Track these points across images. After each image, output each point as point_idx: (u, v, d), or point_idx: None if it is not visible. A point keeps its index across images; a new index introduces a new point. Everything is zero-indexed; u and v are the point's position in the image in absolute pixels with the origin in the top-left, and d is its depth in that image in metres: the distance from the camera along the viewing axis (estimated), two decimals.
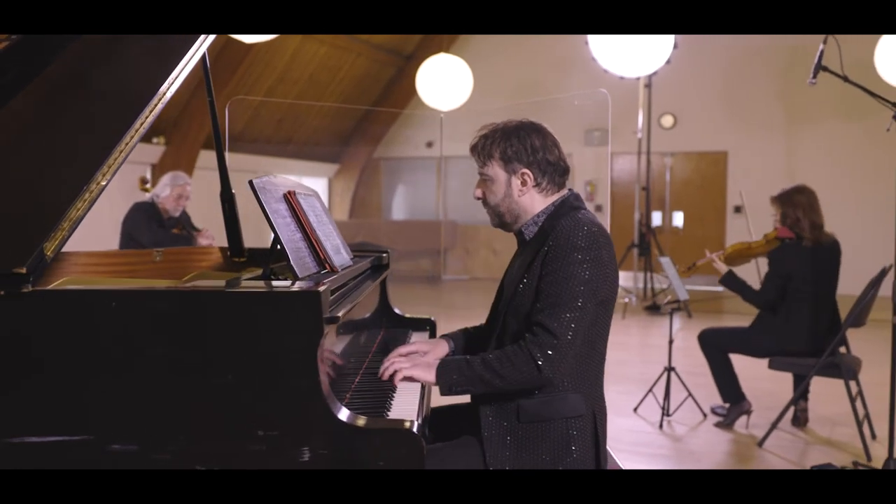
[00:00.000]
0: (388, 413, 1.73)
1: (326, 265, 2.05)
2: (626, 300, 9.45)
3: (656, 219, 12.15)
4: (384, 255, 2.83)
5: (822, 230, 4.26)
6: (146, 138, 10.89)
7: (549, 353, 1.89)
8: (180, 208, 5.27)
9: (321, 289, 1.48)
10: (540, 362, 1.89)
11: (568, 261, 1.93)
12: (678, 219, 12.28)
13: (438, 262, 13.35)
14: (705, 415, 4.69)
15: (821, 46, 3.73)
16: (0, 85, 1.85)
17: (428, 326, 2.88)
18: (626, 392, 5.17)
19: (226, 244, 2.89)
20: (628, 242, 10.05)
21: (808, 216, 4.22)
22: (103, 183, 1.65)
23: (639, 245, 9.78)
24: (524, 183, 2.07)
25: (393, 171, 14.28)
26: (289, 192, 2.07)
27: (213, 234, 5.27)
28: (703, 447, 4.18)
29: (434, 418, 2.24)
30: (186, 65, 2.03)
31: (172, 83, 1.96)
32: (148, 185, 5.26)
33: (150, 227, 5.10)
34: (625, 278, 11.16)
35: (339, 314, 1.57)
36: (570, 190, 2.16)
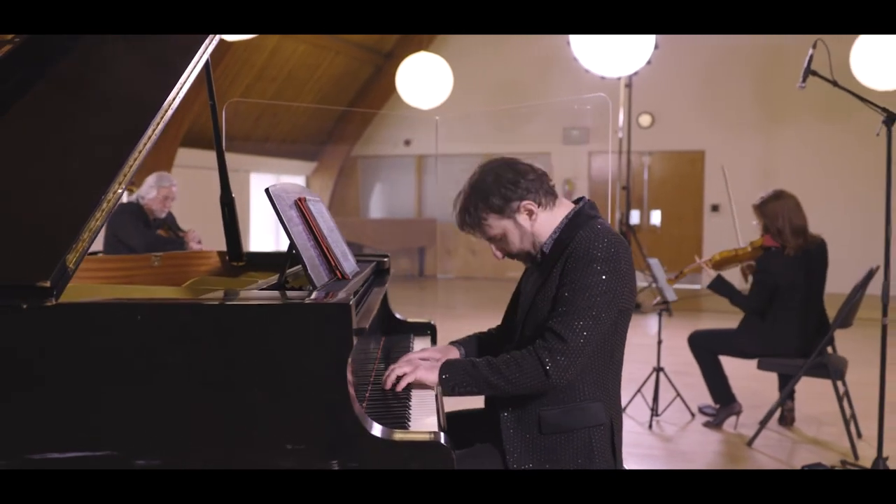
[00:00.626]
0: (409, 424, 1.72)
1: (337, 272, 2.04)
2: None
3: (634, 217, 12.23)
4: (385, 259, 2.82)
5: (806, 234, 4.29)
6: None
7: (559, 358, 1.88)
8: (166, 209, 5.21)
9: (349, 300, 1.46)
10: (548, 367, 1.88)
11: (587, 271, 1.93)
12: (656, 217, 12.37)
13: (416, 261, 13.34)
14: (693, 415, 4.72)
15: (810, 51, 3.76)
16: (7, 90, 1.81)
17: (429, 331, 2.87)
18: None
19: (216, 246, 2.87)
20: None
21: (789, 223, 4.23)
22: (119, 191, 1.62)
23: None
24: (530, 213, 2.05)
25: (371, 169, 14.23)
26: (300, 199, 2.05)
27: (199, 235, 5.22)
28: (694, 447, 4.21)
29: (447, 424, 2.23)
30: (194, 69, 2.00)
31: (182, 87, 1.94)
32: (133, 186, 5.20)
33: (138, 228, 5.03)
34: None
35: (366, 325, 1.55)
36: (584, 198, 2.15)
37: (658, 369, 4.71)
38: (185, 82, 1.95)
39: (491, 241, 2.10)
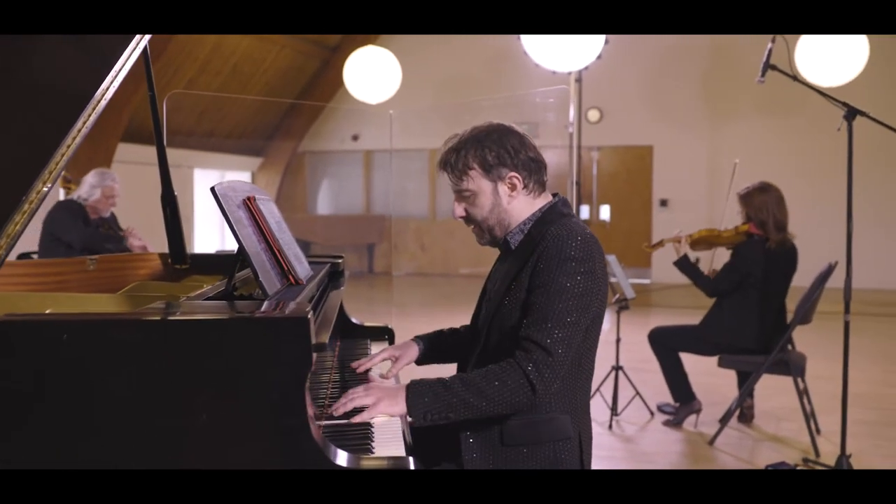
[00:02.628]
0: (373, 445, 1.56)
1: (290, 277, 1.87)
2: None
3: (584, 212, 12.22)
4: (339, 260, 2.66)
5: (786, 232, 4.25)
6: None
7: (545, 371, 1.74)
8: (111, 208, 4.96)
9: (308, 313, 1.30)
10: (534, 381, 1.74)
11: (560, 272, 1.79)
12: (605, 212, 12.39)
13: (366, 258, 13.14)
14: (652, 413, 4.66)
15: (769, 45, 3.71)
16: None
17: (386, 335, 2.72)
18: None
19: (159, 248, 2.67)
20: None
21: (773, 217, 4.20)
22: (45, 190, 1.44)
23: None
24: (513, 188, 1.91)
25: (318, 165, 13.97)
26: (249, 198, 1.88)
27: (140, 234, 4.98)
28: (656, 447, 4.14)
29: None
30: (130, 57, 1.82)
31: (116, 77, 1.75)
32: (71, 185, 4.93)
33: (76, 225, 4.78)
34: None
35: (325, 339, 1.39)
36: (556, 195, 2.02)
37: (617, 368, 4.63)
38: (119, 71, 1.77)
39: (460, 194, 1.95)
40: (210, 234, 12.48)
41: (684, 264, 4.40)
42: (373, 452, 1.51)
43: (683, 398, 4.44)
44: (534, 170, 1.93)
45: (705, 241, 4.47)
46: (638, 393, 4.67)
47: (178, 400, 1.26)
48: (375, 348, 2.59)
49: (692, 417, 4.48)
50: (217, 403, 1.27)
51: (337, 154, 13.67)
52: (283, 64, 12.07)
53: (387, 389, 1.79)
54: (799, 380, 4.15)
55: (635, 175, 12.16)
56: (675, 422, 4.44)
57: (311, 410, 1.31)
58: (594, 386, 4.77)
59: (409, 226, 12.72)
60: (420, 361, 2.22)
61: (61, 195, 5.14)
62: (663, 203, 11.74)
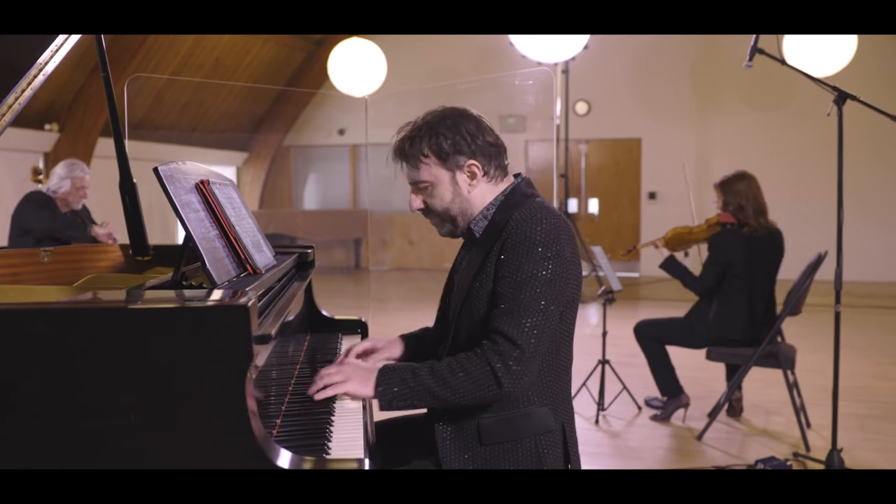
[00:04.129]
0: (329, 446, 1.44)
1: (247, 266, 1.75)
2: None
3: (572, 206, 12.12)
4: (309, 250, 2.53)
5: (766, 216, 4.17)
6: (37, 125, 10.18)
7: (511, 364, 1.64)
8: (82, 201, 4.82)
9: (247, 301, 1.18)
10: (500, 375, 1.63)
11: (527, 258, 1.68)
12: (594, 206, 12.29)
13: (352, 253, 13.01)
14: (640, 407, 4.56)
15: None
16: None
17: (359, 329, 2.60)
18: None
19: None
20: None
21: (753, 202, 4.13)
22: None
23: None
24: (473, 176, 1.81)
25: (304, 159, 13.83)
26: (202, 182, 1.76)
27: (114, 228, 4.84)
28: (643, 443, 4.03)
29: (379, 435, 1.96)
30: (69, 37, 1.68)
31: (56, 52, 1.62)
32: (41, 177, 4.79)
33: (40, 214, 4.64)
34: None
35: (272, 331, 1.27)
36: (519, 175, 1.90)
37: (603, 362, 4.52)
38: (59, 48, 1.64)
39: (416, 185, 1.83)
40: None
41: (671, 265, 4.29)
42: (328, 454, 1.39)
43: (671, 392, 4.33)
44: (493, 155, 1.83)
45: (679, 239, 4.37)
46: (625, 387, 4.56)
47: (103, 400, 1.14)
48: (347, 342, 2.48)
49: (680, 412, 4.38)
50: (147, 402, 1.15)
51: (322, 148, 13.53)
52: (267, 57, 11.91)
53: (358, 369, 1.74)
54: (789, 372, 4.06)
55: (624, 168, 12.07)
56: (662, 416, 4.34)
57: (252, 405, 1.18)
58: (580, 380, 4.69)
59: (394, 221, 12.58)
60: (402, 360, 2.11)
61: (30, 186, 5.00)
62: (652, 196, 11.65)
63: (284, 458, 1.19)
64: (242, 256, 1.75)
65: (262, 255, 1.90)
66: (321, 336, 2.50)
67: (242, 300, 1.19)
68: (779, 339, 4.21)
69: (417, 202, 1.85)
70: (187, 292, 1.42)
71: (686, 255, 4.73)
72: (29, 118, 9.17)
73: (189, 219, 1.52)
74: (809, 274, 3.96)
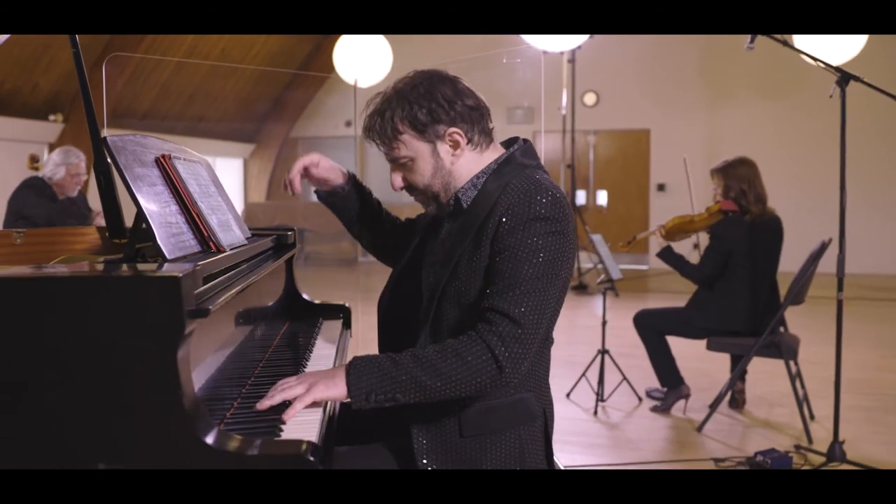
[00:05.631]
0: (283, 427, 1.37)
1: (210, 244, 1.68)
2: None
3: (580, 197, 12.02)
4: (289, 232, 2.46)
5: (766, 203, 4.08)
6: (42, 116, 10.16)
7: (514, 346, 1.48)
8: (77, 188, 4.78)
9: (180, 273, 1.11)
10: (501, 359, 1.48)
11: (529, 232, 1.52)
12: (602, 197, 12.18)
13: (359, 244, 12.95)
14: (640, 399, 4.47)
15: None
16: None
17: (342, 314, 2.53)
18: (556, 376, 4.90)
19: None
20: None
21: (753, 189, 4.04)
22: None
23: None
24: (455, 145, 1.64)
25: (311, 150, 13.75)
26: (162, 156, 1.69)
27: None
28: (641, 434, 3.95)
29: (343, 413, 1.83)
30: None
31: None
32: (38, 164, 4.76)
33: (41, 202, 4.60)
34: None
35: (210, 306, 1.20)
36: (518, 140, 1.74)
37: (603, 352, 4.44)
38: None
39: (394, 163, 1.68)
40: None
41: (667, 255, 4.21)
42: (279, 436, 1.32)
43: (671, 383, 4.25)
44: (475, 119, 1.65)
45: (680, 229, 4.27)
46: (625, 378, 4.48)
47: (26, 374, 1.07)
48: (327, 327, 2.41)
49: (681, 403, 4.29)
50: (71, 379, 1.09)
51: (330, 140, 13.47)
52: (274, 48, 11.84)
53: (321, 373, 1.55)
54: (792, 363, 3.96)
55: (632, 159, 11.95)
56: (662, 408, 4.26)
57: (185, 380, 1.11)
58: (580, 371, 4.61)
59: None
60: (340, 193, 2.01)
61: (27, 173, 4.96)
62: (660, 187, 11.53)
63: (212, 437, 1.12)
64: (205, 233, 1.69)
65: (230, 234, 1.83)
66: (301, 323, 2.44)
67: (173, 272, 1.12)
68: (782, 329, 4.12)
69: (398, 180, 1.69)
70: (140, 265, 1.35)
71: (696, 246, 4.65)
72: (34, 109, 9.16)
73: (141, 192, 1.46)
74: (812, 262, 3.86)
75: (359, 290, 9.48)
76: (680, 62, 11.17)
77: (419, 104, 1.61)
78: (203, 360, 1.54)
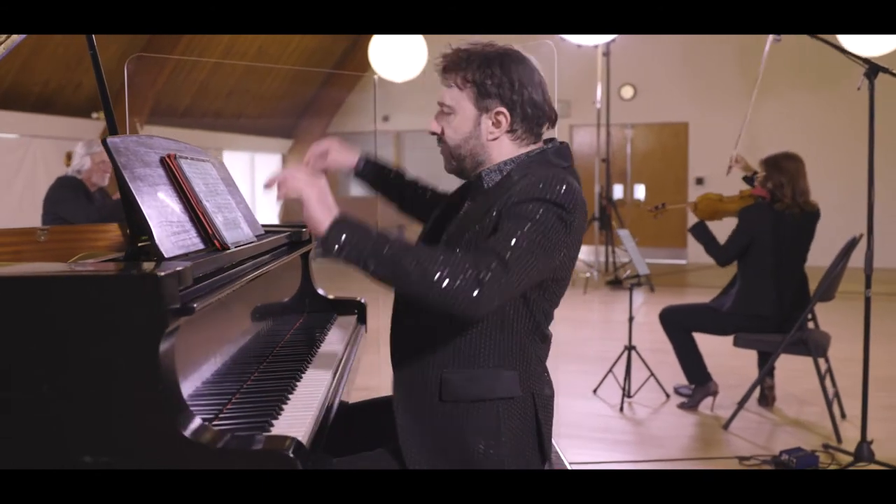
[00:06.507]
0: (274, 423, 1.40)
1: (215, 241, 1.71)
2: (588, 275, 9.21)
3: (618, 192, 11.92)
4: (303, 229, 2.49)
5: (807, 197, 4.05)
6: (85, 113, 10.38)
7: (494, 283, 1.45)
8: (106, 174, 4.86)
9: (160, 273, 1.14)
10: (484, 282, 1.44)
11: (536, 207, 1.53)
12: (640, 191, 12.06)
13: None
14: (668, 395, 4.43)
15: None
16: None
17: (356, 309, 2.56)
18: (585, 372, 4.90)
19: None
20: (589, 216, 9.83)
21: (793, 183, 4.00)
22: None
23: (599, 218, 9.52)
24: (497, 125, 1.66)
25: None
26: (168, 156, 1.72)
27: None
28: (667, 431, 3.92)
29: (350, 416, 1.88)
30: None
31: None
32: (67, 159, 4.86)
33: (78, 202, 4.70)
34: (586, 252, 10.94)
35: (196, 304, 1.22)
36: (554, 140, 1.74)
37: (629, 348, 4.41)
38: None
39: (441, 105, 1.71)
40: None
41: (699, 230, 4.20)
42: (269, 431, 1.35)
43: (698, 380, 4.21)
44: (530, 116, 1.66)
45: (709, 206, 4.26)
46: (652, 374, 4.44)
47: (16, 368, 1.11)
48: (340, 322, 2.44)
49: (708, 400, 4.24)
50: (59, 373, 1.13)
51: (367, 135, 13.53)
52: (311, 45, 11.94)
53: (327, 194, 1.56)
54: (822, 361, 3.90)
55: (671, 153, 11.81)
56: (689, 404, 4.22)
57: (168, 377, 1.14)
58: (606, 367, 4.59)
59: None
60: (359, 173, 2.15)
61: (62, 170, 5.07)
62: (699, 181, 11.37)
63: (191, 428, 1.14)
64: (210, 231, 1.72)
65: (236, 232, 1.86)
66: (315, 317, 2.47)
67: (154, 271, 1.15)
68: (812, 326, 4.05)
69: (436, 125, 1.73)
70: (110, 264, 1.39)
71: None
72: (77, 107, 9.37)
73: (141, 192, 1.49)
74: (842, 258, 3.79)
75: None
76: (718, 54, 11.00)
77: (492, 71, 1.65)
78: (208, 354, 1.57)
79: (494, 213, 1.59)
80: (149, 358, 1.12)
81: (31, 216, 5.02)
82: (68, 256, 2.36)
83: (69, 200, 4.72)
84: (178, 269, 1.19)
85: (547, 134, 1.76)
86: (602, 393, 4.51)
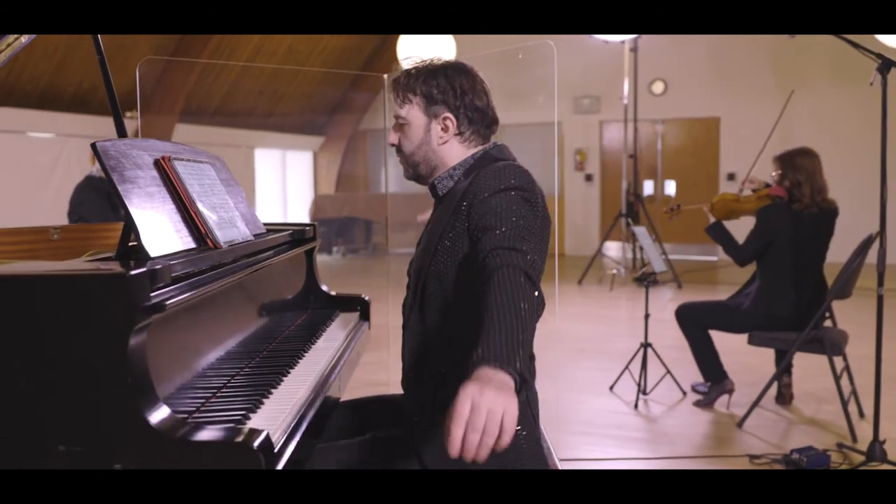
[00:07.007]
0: (251, 416, 1.45)
1: (208, 241, 1.77)
2: (615, 271, 9.18)
3: (648, 188, 11.84)
4: (308, 228, 2.55)
5: (825, 195, 3.99)
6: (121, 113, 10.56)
7: (530, 266, 1.46)
8: None
9: (127, 272, 1.19)
10: (530, 274, 1.44)
11: (502, 198, 1.61)
12: (670, 187, 11.96)
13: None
14: (685, 393, 4.42)
15: None
16: None
17: (359, 306, 2.60)
18: (605, 369, 4.91)
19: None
20: (616, 212, 9.78)
21: (811, 181, 3.94)
22: None
23: (627, 214, 9.47)
24: (445, 129, 1.82)
25: (380, 143, 13.94)
26: (162, 158, 1.78)
27: None
28: (680, 429, 3.91)
29: (355, 411, 1.98)
30: None
31: None
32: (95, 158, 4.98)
33: (97, 204, 4.82)
34: (613, 249, 10.89)
35: (170, 302, 1.28)
36: (494, 142, 1.88)
37: (645, 345, 4.41)
38: None
39: (396, 120, 1.87)
40: (273, 208, 12.65)
41: (716, 230, 4.17)
42: (244, 424, 1.40)
43: (714, 378, 4.19)
44: (474, 119, 1.82)
45: (725, 207, 4.23)
46: (668, 371, 4.44)
47: None
48: (341, 319, 2.48)
49: (724, 398, 4.23)
50: (33, 367, 1.19)
51: None
52: (340, 42, 12.03)
53: (486, 387, 1.22)
54: (839, 359, 3.86)
55: (702, 148, 11.70)
56: (705, 402, 4.20)
57: (140, 373, 1.19)
58: (618, 364, 4.59)
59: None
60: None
61: (88, 169, 5.20)
62: (731, 177, 11.26)
63: (157, 417, 1.19)
64: (203, 231, 1.77)
65: (231, 231, 1.91)
66: (319, 313, 2.52)
67: (125, 270, 1.20)
68: (830, 324, 4.02)
69: (394, 137, 1.88)
70: (90, 263, 1.46)
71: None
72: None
73: (130, 193, 1.55)
74: (858, 255, 3.75)
75: (390, 278, 9.57)
76: (749, 48, 10.86)
77: (436, 81, 1.80)
78: (204, 348, 1.63)
79: (459, 221, 1.68)
80: (118, 353, 1.18)
81: (65, 215, 5.16)
82: (80, 254, 2.44)
83: (90, 202, 4.85)
84: (150, 267, 1.24)
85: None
86: (618, 390, 4.52)
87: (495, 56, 3.13)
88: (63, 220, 5.54)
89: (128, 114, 9.96)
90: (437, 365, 1.73)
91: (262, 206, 12.25)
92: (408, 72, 1.84)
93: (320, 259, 2.75)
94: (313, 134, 13.56)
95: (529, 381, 1.53)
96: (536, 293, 1.47)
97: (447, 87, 1.79)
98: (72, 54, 8.60)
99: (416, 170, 1.88)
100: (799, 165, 3.98)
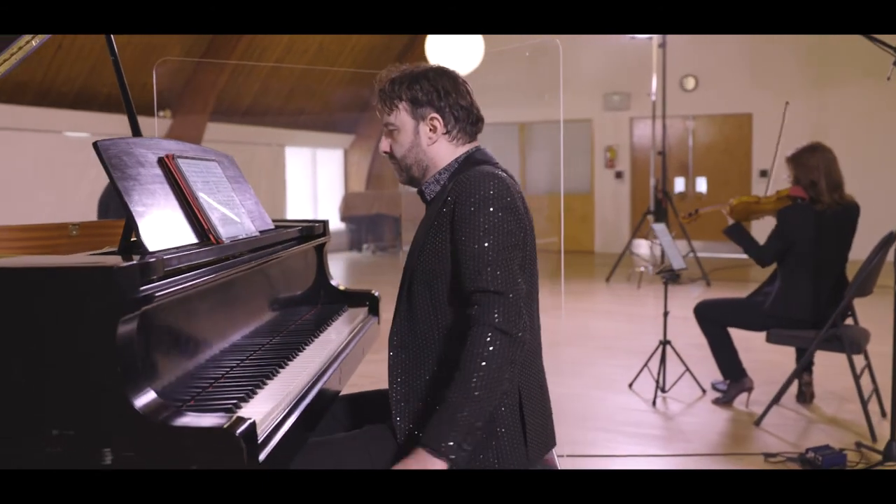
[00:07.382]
0: (242, 406, 1.49)
1: (210, 236, 1.82)
2: (642, 269, 9.13)
3: (679, 185, 11.75)
4: (317, 224, 2.59)
5: (842, 190, 3.93)
6: (151, 112, 10.79)
7: (508, 312, 1.61)
8: None
9: (115, 264, 1.24)
10: (503, 326, 1.60)
11: (483, 213, 1.69)
12: (702, 184, 11.85)
13: None
14: (704, 390, 4.40)
15: None
16: None
17: (368, 301, 2.64)
18: (626, 366, 4.90)
19: None
20: (644, 209, 9.73)
21: (826, 176, 3.89)
22: None
23: (654, 211, 9.41)
24: (433, 129, 1.87)
25: None
26: (167, 156, 1.84)
27: None
28: (697, 427, 3.90)
29: (357, 405, 2.03)
30: None
31: None
32: None
33: (121, 208, 4.92)
34: (642, 246, 10.82)
35: (158, 294, 1.33)
36: (476, 146, 1.93)
37: (664, 343, 4.40)
38: None
39: (386, 127, 1.92)
40: (304, 205, 12.78)
41: (735, 232, 4.14)
42: (234, 412, 1.44)
43: (733, 376, 4.17)
44: (460, 118, 1.88)
45: (745, 208, 4.18)
46: (688, 369, 4.42)
47: None
48: (349, 314, 2.53)
49: (743, 396, 4.20)
50: (28, 355, 1.26)
51: None
52: (370, 42, 12.11)
53: (415, 464, 1.57)
54: (860, 357, 3.82)
55: (734, 145, 11.58)
56: (724, 400, 4.18)
57: (129, 363, 1.24)
58: (641, 362, 4.58)
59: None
60: None
61: None
62: (763, 173, 11.12)
63: (141, 401, 1.25)
64: (205, 227, 1.83)
65: (234, 227, 1.96)
66: (327, 307, 2.57)
67: (114, 263, 1.26)
68: (851, 322, 3.97)
69: (385, 144, 1.93)
70: (89, 257, 1.51)
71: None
72: (143, 106, 9.71)
73: (130, 190, 1.60)
74: (878, 252, 3.70)
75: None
76: (781, 43, 10.72)
77: (420, 84, 1.85)
78: (210, 339, 1.69)
79: (444, 225, 1.75)
80: (108, 342, 1.24)
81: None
82: (97, 249, 2.51)
83: (115, 201, 4.95)
84: (140, 261, 1.30)
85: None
86: (638, 387, 4.51)
87: (512, 54, 3.14)
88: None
89: (160, 113, 10.17)
90: (425, 361, 1.77)
91: (292, 204, 12.38)
92: (391, 80, 1.89)
93: (350, 256, 2.81)
94: (344, 132, 13.66)
95: (464, 457, 1.57)
96: (517, 332, 1.60)
97: (431, 90, 1.85)
98: (106, 56, 8.66)
99: (409, 173, 1.92)
100: (811, 165, 3.92)
